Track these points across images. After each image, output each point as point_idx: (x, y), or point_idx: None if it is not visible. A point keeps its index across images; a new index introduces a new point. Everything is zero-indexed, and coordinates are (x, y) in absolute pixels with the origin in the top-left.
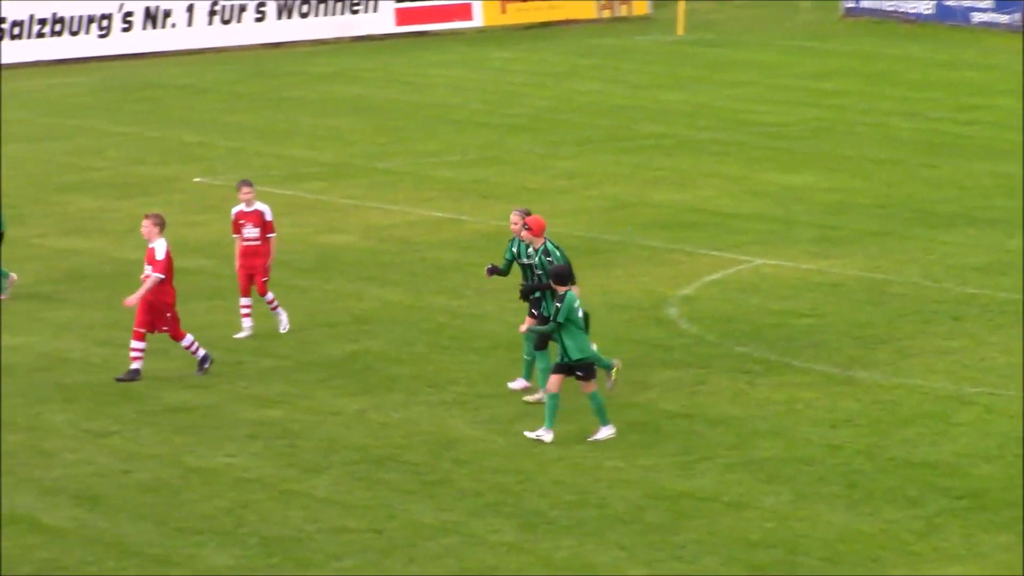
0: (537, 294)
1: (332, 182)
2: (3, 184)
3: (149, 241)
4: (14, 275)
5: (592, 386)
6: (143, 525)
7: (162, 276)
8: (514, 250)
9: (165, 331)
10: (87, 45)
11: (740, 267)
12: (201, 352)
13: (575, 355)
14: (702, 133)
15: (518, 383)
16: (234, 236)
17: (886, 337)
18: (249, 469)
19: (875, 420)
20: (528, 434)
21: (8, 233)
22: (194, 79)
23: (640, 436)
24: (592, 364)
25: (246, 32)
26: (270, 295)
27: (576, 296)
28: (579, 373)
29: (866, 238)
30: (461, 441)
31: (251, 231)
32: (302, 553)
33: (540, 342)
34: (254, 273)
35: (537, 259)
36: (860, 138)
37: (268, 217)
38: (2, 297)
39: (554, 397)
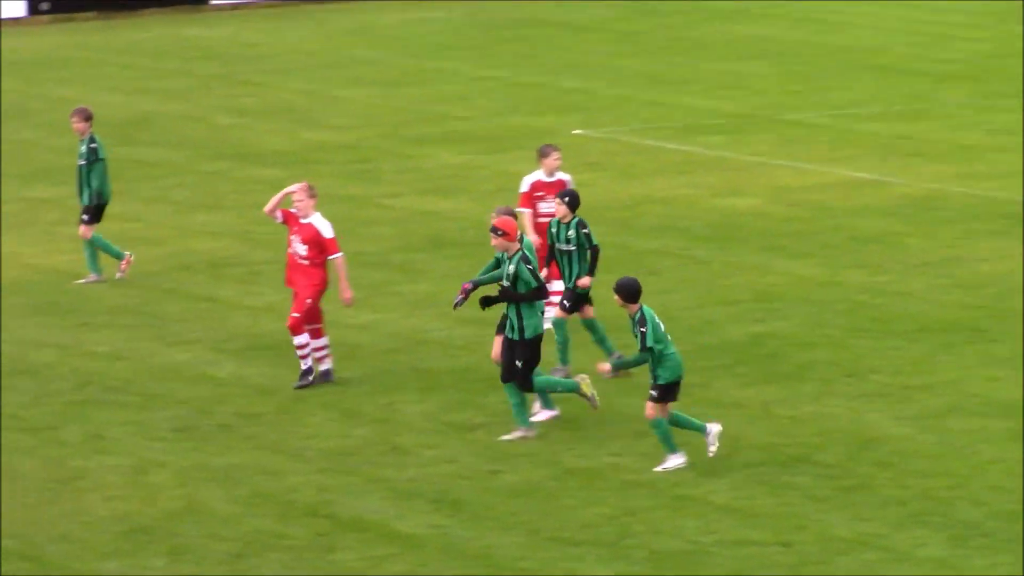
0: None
1: (734, 136)
2: (353, 135)
3: (303, 216)
4: (130, 255)
5: (664, 412)
6: (512, 535)
7: (341, 254)
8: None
9: (294, 317)
10: None
11: None
12: (306, 364)
13: (663, 378)
14: None
15: (543, 414)
16: (522, 209)
17: None
18: (637, 471)
19: None
20: (658, 468)
21: (357, 191)
22: (575, 16)
23: None
24: (677, 386)
25: None
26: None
27: (652, 311)
28: (653, 393)
29: None
30: (883, 440)
31: (551, 204)
32: (697, 568)
33: (526, 383)
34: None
35: (515, 266)
36: None
37: (570, 188)
38: (96, 279)
39: (658, 424)
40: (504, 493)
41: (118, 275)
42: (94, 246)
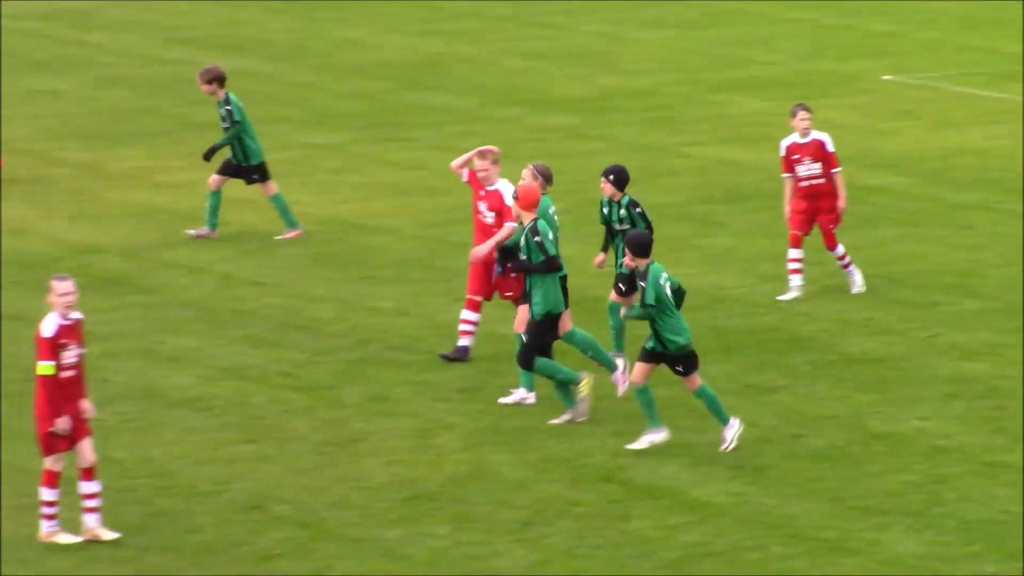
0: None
1: None
2: (651, 79)
3: (488, 184)
4: (217, 232)
5: (697, 381)
6: (814, 503)
7: (516, 226)
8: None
9: (509, 297)
10: None
11: None
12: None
13: (672, 343)
14: None
15: (620, 367)
16: (784, 175)
17: None
18: (947, 436)
19: None
20: (632, 445)
21: (655, 140)
22: None
23: None
24: (694, 353)
25: None
26: (840, 249)
27: (662, 269)
28: (679, 368)
29: None
30: None
31: (810, 167)
32: (1009, 540)
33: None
34: (816, 219)
35: (524, 237)
36: None
37: (829, 148)
38: (209, 232)
39: (643, 391)
40: (807, 459)
41: (191, 233)
42: (217, 199)
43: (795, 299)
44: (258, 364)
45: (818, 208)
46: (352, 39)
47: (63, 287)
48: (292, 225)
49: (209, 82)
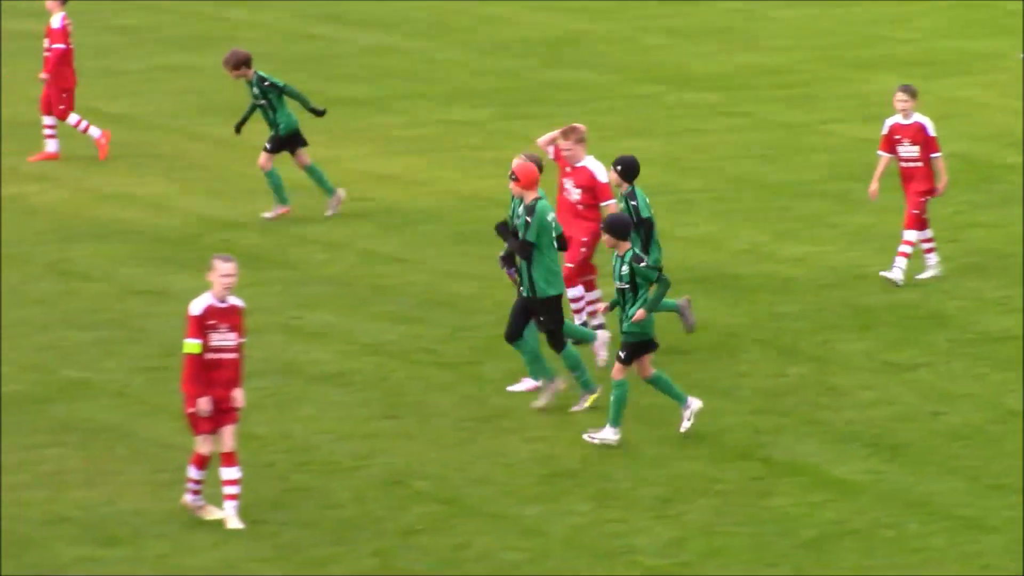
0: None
1: None
2: (788, 57)
3: (574, 161)
4: (342, 192)
5: (623, 374)
6: (952, 480)
7: (614, 202)
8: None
9: (567, 267)
10: None
11: None
12: (581, 318)
13: (633, 336)
14: None
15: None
16: (880, 152)
17: None
18: None
19: None
20: (588, 437)
21: (792, 118)
22: None
23: None
24: (643, 345)
25: None
26: (914, 235)
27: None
28: (620, 354)
29: None
30: None
31: (908, 149)
32: None
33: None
34: (906, 198)
35: (521, 219)
36: None
37: (930, 132)
38: (327, 214)
39: (620, 385)
40: (946, 436)
41: (329, 213)
42: (305, 173)
43: (934, 277)
44: (399, 340)
45: (906, 190)
46: (493, 15)
47: (224, 268)
48: (283, 202)
49: (237, 66)
